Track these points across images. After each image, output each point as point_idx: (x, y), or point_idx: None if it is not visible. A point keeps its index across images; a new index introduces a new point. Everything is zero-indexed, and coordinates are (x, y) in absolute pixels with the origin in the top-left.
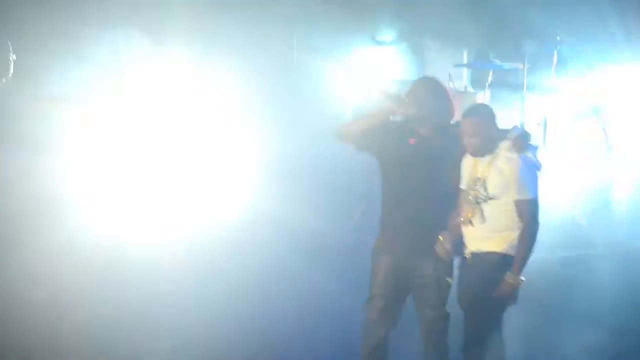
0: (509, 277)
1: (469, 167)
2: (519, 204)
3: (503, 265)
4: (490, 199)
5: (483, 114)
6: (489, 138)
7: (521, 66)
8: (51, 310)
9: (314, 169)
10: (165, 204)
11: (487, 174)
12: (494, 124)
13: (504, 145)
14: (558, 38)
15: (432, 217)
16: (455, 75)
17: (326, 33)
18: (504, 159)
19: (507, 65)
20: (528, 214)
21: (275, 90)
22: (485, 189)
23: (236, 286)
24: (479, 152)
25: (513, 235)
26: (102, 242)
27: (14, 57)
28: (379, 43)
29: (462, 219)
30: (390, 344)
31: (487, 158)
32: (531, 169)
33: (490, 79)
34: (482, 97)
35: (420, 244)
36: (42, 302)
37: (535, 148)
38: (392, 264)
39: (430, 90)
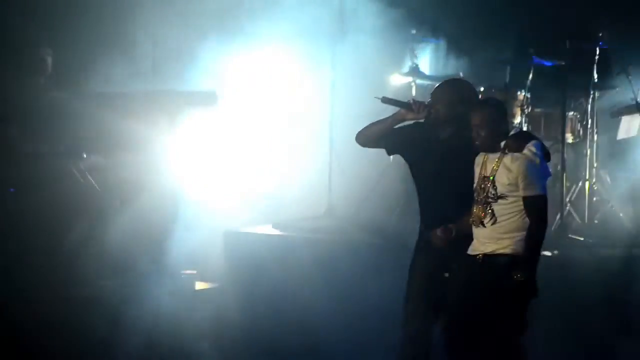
0: (516, 275)
1: (479, 165)
2: (526, 200)
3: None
4: (500, 197)
5: (492, 107)
6: (497, 132)
7: (563, 63)
8: None
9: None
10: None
11: (495, 172)
12: (504, 119)
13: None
14: (600, 34)
15: (455, 217)
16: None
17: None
18: (511, 156)
19: (549, 62)
20: (536, 210)
21: None
22: (495, 187)
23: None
24: (487, 147)
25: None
26: None
27: (50, 55)
28: (418, 40)
29: (472, 220)
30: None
31: (497, 155)
32: (539, 166)
33: (530, 76)
34: (522, 95)
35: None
36: None
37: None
38: (425, 263)
39: (453, 91)
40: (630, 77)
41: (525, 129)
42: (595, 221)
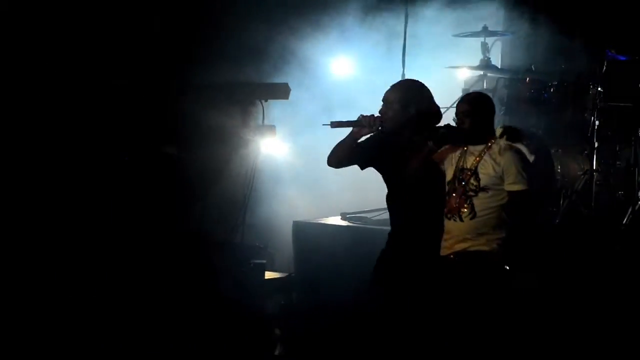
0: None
1: (455, 158)
2: (514, 195)
3: (495, 267)
4: (482, 190)
5: (481, 98)
6: (484, 124)
7: (637, 58)
8: None
9: None
10: None
11: (478, 164)
12: (492, 113)
13: (498, 134)
14: None
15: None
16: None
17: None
18: (498, 149)
19: (623, 57)
20: (525, 204)
21: None
22: (478, 179)
23: None
24: (472, 137)
25: (503, 235)
26: None
27: None
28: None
29: (447, 213)
30: None
31: (479, 148)
32: (526, 160)
33: (604, 70)
34: (595, 89)
35: None
36: None
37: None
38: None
39: (400, 93)
40: None
41: (597, 123)
42: None
